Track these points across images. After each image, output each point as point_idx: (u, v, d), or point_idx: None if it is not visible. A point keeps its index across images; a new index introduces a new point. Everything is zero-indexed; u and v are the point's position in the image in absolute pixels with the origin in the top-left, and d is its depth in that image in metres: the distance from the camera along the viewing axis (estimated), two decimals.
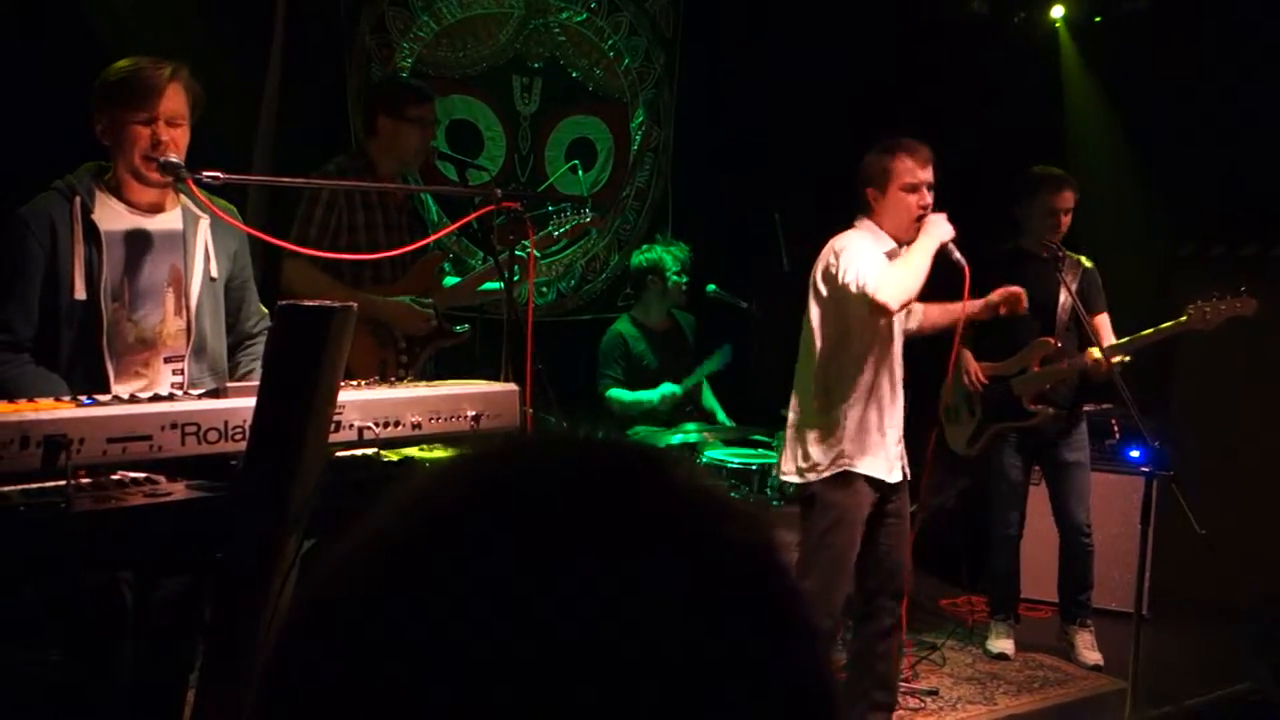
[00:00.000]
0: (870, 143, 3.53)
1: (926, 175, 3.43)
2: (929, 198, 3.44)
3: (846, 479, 3.44)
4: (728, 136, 5.83)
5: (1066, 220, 4.49)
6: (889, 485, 3.49)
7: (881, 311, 3.30)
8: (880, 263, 3.36)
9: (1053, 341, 4.44)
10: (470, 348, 3.98)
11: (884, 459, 3.46)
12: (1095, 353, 4.22)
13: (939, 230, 3.39)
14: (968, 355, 4.58)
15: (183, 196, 2.74)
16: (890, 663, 3.60)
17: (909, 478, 3.59)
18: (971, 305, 3.66)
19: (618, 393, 4.84)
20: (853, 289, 3.31)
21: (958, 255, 3.44)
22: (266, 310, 2.98)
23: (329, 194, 3.64)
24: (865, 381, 3.44)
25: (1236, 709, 3.85)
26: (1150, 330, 4.27)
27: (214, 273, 2.77)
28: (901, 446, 3.55)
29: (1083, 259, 4.62)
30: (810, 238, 3.66)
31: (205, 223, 2.76)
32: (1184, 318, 4.21)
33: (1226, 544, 4.35)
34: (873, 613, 3.56)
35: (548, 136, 5.51)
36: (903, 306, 3.33)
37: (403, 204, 4.00)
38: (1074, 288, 4.44)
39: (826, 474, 3.46)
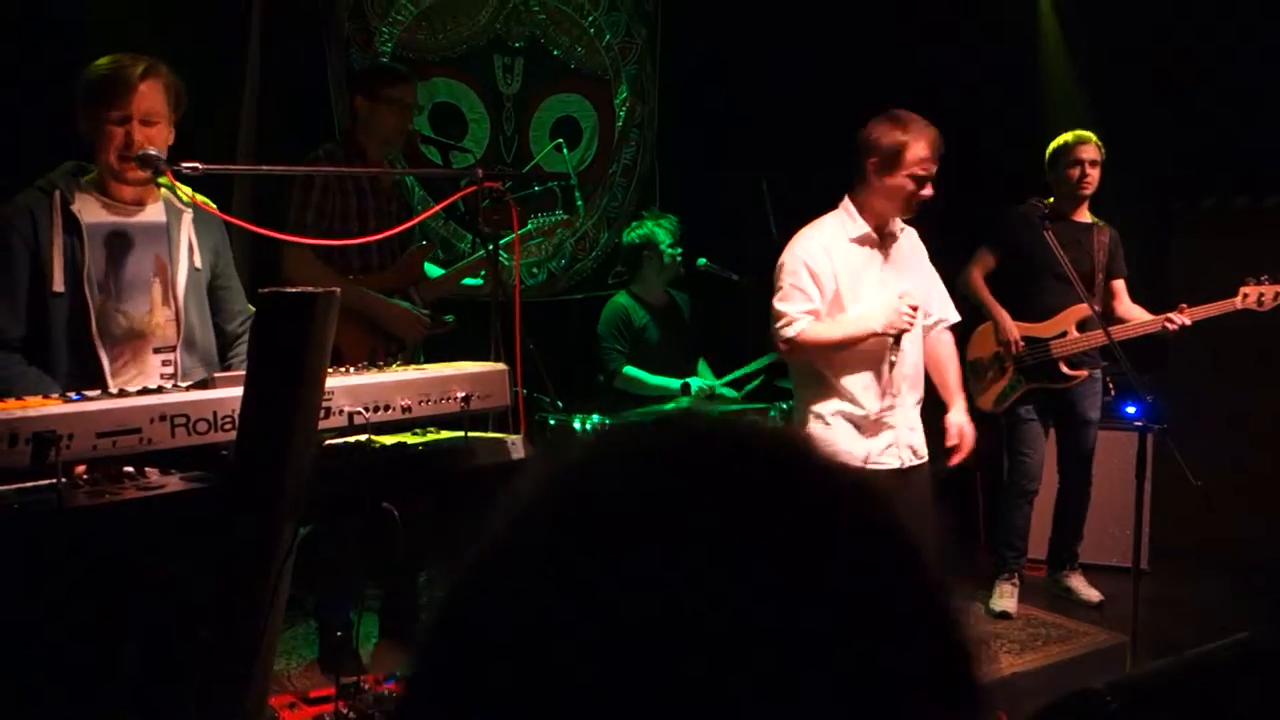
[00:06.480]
0: (854, 110, 3.41)
1: (934, 168, 3.26)
2: (930, 190, 3.28)
3: None
4: (712, 109, 5.80)
5: (1092, 174, 4.55)
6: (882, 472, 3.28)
7: (774, 342, 3.32)
8: (810, 296, 3.28)
9: (1089, 307, 4.30)
10: (458, 333, 3.98)
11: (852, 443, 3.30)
12: (1174, 314, 4.26)
13: (876, 323, 3.24)
14: (1005, 316, 4.58)
15: (164, 191, 2.74)
16: None
17: (920, 462, 3.41)
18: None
19: (635, 372, 4.67)
20: (775, 304, 3.30)
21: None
22: (253, 309, 2.98)
23: (323, 178, 3.63)
24: (822, 366, 3.34)
25: (1237, 658, 3.88)
26: (1199, 307, 4.25)
27: (198, 263, 2.78)
28: (901, 430, 3.38)
29: (1104, 224, 4.65)
30: (798, 206, 3.64)
31: (188, 216, 2.77)
32: (1237, 299, 4.19)
33: (1222, 495, 4.38)
34: None
35: (531, 116, 5.49)
36: (788, 356, 3.35)
37: (393, 193, 3.98)
38: (1106, 251, 4.56)
39: None
